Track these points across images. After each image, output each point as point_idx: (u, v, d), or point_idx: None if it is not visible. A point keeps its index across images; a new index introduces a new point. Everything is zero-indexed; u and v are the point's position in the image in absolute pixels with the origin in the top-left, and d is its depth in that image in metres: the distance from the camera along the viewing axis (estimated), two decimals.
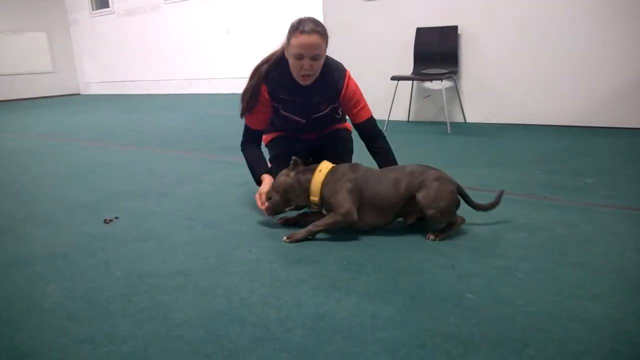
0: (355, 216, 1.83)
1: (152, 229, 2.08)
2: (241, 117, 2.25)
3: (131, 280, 1.60)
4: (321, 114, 2.22)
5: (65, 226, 2.18)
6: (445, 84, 4.40)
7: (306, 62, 2.01)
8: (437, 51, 4.43)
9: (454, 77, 4.41)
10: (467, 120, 4.50)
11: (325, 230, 1.86)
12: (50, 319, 1.38)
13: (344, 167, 1.91)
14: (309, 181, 1.89)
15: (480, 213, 2.06)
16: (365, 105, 2.23)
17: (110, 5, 10.58)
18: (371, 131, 2.22)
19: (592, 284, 1.43)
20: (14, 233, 2.13)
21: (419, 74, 4.41)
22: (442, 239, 1.80)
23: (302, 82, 2.10)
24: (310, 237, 1.86)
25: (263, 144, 2.45)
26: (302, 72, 2.05)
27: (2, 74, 10.47)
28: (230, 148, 3.64)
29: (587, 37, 3.79)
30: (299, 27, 1.99)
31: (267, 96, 2.16)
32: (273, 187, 1.98)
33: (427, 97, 4.70)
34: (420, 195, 1.81)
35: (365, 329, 1.25)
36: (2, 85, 10.44)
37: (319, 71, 2.09)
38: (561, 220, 1.94)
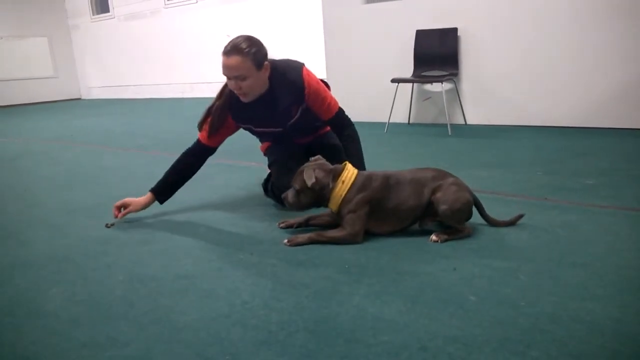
0: (359, 240, 1.84)
1: (154, 232, 2.09)
2: (198, 130, 2.25)
3: (133, 283, 1.61)
4: (295, 118, 2.20)
5: (68, 229, 2.18)
6: (446, 86, 4.40)
7: (233, 83, 2.01)
8: (437, 53, 4.43)
9: (454, 79, 4.41)
10: (468, 122, 4.50)
11: (327, 243, 1.85)
12: (53, 322, 1.39)
13: (366, 181, 1.86)
14: (331, 189, 1.85)
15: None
16: (332, 98, 2.21)
17: (110, 10, 10.60)
18: (342, 122, 2.23)
19: (593, 285, 1.43)
20: (17, 236, 2.14)
21: (419, 77, 4.41)
22: (444, 241, 1.80)
23: (243, 100, 2.08)
24: (311, 243, 1.86)
25: (261, 151, 2.46)
26: (236, 92, 2.04)
27: (4, 79, 10.49)
28: (231, 152, 3.64)
29: (586, 38, 3.79)
30: (224, 49, 1.99)
31: (231, 121, 2.18)
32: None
33: (427, 99, 4.70)
34: (438, 195, 1.82)
35: (367, 331, 1.26)
36: (4, 91, 10.46)
37: (254, 91, 2.05)
38: (562, 221, 1.94)
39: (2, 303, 1.53)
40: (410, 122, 4.79)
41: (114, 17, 10.57)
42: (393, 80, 4.33)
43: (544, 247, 1.72)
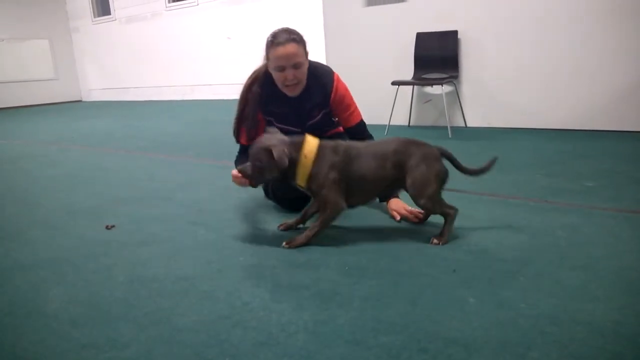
0: (343, 205, 1.83)
1: (154, 233, 2.09)
2: (237, 142, 2.25)
3: (133, 285, 1.61)
4: (316, 119, 2.22)
5: (68, 231, 2.18)
6: (446, 88, 4.41)
7: (289, 73, 2.02)
8: (437, 56, 4.44)
9: (455, 82, 4.42)
10: (468, 125, 4.50)
11: (322, 229, 1.86)
12: (53, 323, 1.39)
13: (328, 153, 1.83)
14: (295, 164, 1.81)
15: (482, 216, 2.07)
16: (356, 109, 2.24)
17: (111, 13, 10.63)
18: (362, 133, 2.23)
19: (593, 287, 1.43)
20: (17, 238, 2.14)
21: (419, 79, 4.42)
22: (446, 242, 1.80)
23: (290, 94, 2.10)
24: (308, 242, 1.86)
25: None
26: (287, 83, 2.06)
27: (5, 81, 10.51)
28: (232, 154, 3.64)
29: (587, 40, 3.79)
30: (274, 41, 2.01)
31: (261, 117, 2.19)
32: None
33: (427, 101, 4.71)
34: (408, 184, 1.81)
35: (366, 333, 1.25)
36: (5, 93, 10.48)
37: (304, 79, 2.09)
38: (562, 223, 1.94)
39: (2, 304, 1.53)
40: (411, 124, 4.79)
41: (115, 20, 10.60)
42: (393, 83, 4.34)
43: (544, 249, 1.72)
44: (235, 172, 1.93)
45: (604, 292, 1.40)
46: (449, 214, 1.84)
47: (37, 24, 10.91)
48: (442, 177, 1.83)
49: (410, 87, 4.64)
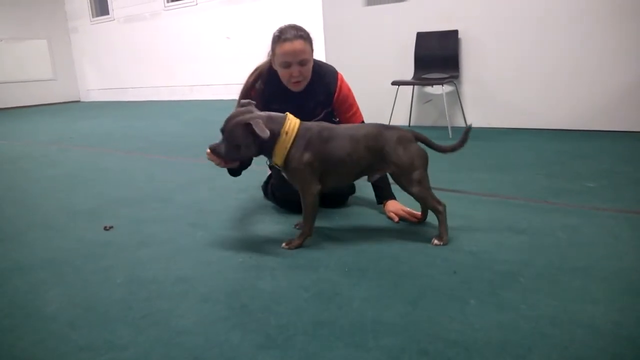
0: (317, 187, 1.81)
1: (153, 235, 2.08)
2: None
3: (132, 286, 1.60)
4: (317, 119, 2.22)
5: (67, 232, 2.18)
6: (446, 88, 4.40)
7: (295, 69, 2.02)
8: (437, 56, 4.43)
9: (455, 82, 4.41)
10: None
11: (312, 219, 1.85)
12: (51, 325, 1.38)
13: (307, 132, 1.79)
14: (274, 140, 1.76)
15: (482, 217, 2.06)
16: (358, 110, 2.25)
17: (110, 13, 10.61)
18: None
19: (594, 288, 1.42)
20: (16, 239, 2.13)
21: (419, 79, 4.41)
22: (447, 242, 1.79)
23: (295, 89, 2.10)
24: (306, 237, 1.86)
25: None
26: (293, 80, 2.06)
27: (4, 82, 10.49)
28: None
29: (587, 40, 3.79)
30: (281, 36, 2.00)
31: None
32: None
33: (428, 101, 4.70)
34: (393, 170, 1.82)
35: (366, 335, 1.25)
36: (4, 93, 10.46)
37: (309, 76, 2.10)
38: (562, 224, 1.94)
39: (1, 305, 1.53)
40: (411, 124, 4.79)
41: (114, 20, 10.58)
42: (394, 83, 4.33)
43: (544, 250, 1.71)
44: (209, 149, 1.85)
45: (605, 294, 1.39)
46: (439, 210, 1.83)
47: (35, 25, 10.89)
48: (424, 157, 1.84)
49: (411, 87, 4.63)
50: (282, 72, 2.07)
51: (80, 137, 5.37)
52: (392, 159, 1.81)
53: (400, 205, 2.10)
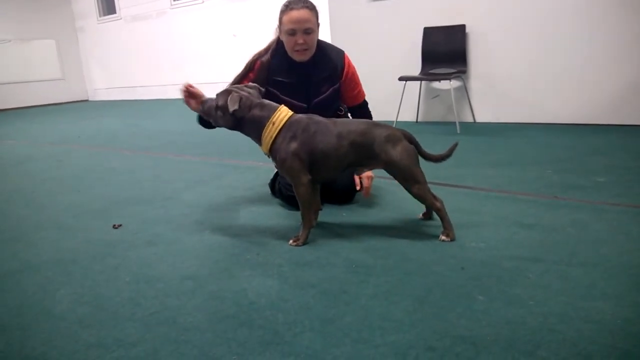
0: (307, 177, 1.83)
1: (161, 233, 2.09)
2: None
3: (140, 285, 1.61)
4: (322, 96, 2.24)
5: (75, 232, 2.19)
6: (454, 83, 4.38)
7: (299, 37, 2.08)
8: (444, 50, 4.41)
9: (463, 77, 4.39)
10: (477, 120, 4.47)
11: (308, 209, 1.86)
12: (61, 324, 1.39)
13: (290, 126, 1.83)
14: (261, 129, 1.83)
15: (491, 213, 2.05)
16: (362, 88, 2.35)
17: (117, 12, 10.65)
18: (365, 112, 2.36)
19: (603, 284, 1.41)
20: (25, 239, 2.15)
21: (427, 74, 4.39)
22: (454, 237, 1.79)
23: (299, 58, 2.15)
24: (310, 229, 1.87)
25: None
26: (297, 47, 2.11)
27: (12, 82, 10.55)
28: (238, 152, 3.65)
29: (597, 33, 3.75)
30: (288, 6, 2.10)
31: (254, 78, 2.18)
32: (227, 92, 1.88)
33: (435, 97, 4.68)
34: (389, 171, 1.83)
35: (374, 332, 1.25)
36: (13, 93, 10.53)
37: (314, 47, 2.15)
38: (572, 220, 1.92)
39: (11, 305, 1.54)
40: (418, 120, 4.77)
41: (121, 18, 10.62)
42: (401, 78, 4.31)
43: (553, 246, 1.70)
44: (183, 86, 2.06)
45: (614, 290, 1.38)
46: (438, 207, 1.82)
47: (43, 25, 10.95)
48: (412, 154, 1.83)
49: (418, 82, 4.61)
50: (287, 40, 2.12)
51: (88, 136, 5.40)
52: (381, 156, 1.81)
53: (372, 174, 2.20)
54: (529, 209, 2.08)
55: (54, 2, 11.08)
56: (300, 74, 2.18)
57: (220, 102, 1.86)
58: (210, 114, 1.92)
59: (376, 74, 4.77)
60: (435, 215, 2.00)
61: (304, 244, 1.84)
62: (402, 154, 1.80)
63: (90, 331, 1.34)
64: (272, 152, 1.86)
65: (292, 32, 2.08)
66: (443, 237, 1.79)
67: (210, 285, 1.57)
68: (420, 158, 1.87)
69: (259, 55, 2.23)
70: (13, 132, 6.40)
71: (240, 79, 2.19)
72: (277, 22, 2.17)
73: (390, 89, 4.48)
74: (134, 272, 1.71)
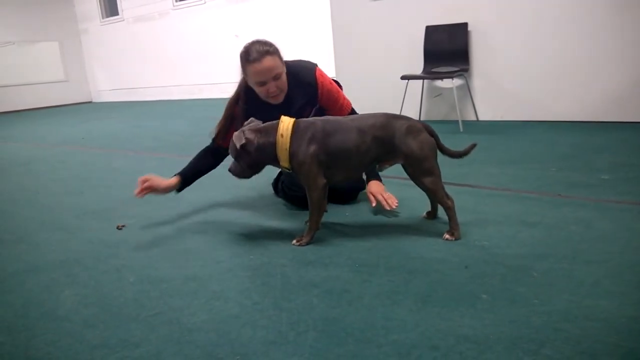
0: (323, 181, 1.81)
1: (164, 234, 2.09)
2: (212, 142, 2.26)
3: (144, 285, 1.61)
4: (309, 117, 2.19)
5: (78, 233, 2.20)
6: (456, 82, 4.37)
7: (271, 85, 2.01)
8: (447, 49, 4.40)
9: (465, 75, 4.37)
10: (480, 118, 4.46)
11: (318, 214, 1.85)
12: (65, 325, 1.40)
13: (305, 128, 1.81)
14: (273, 146, 1.81)
15: (495, 211, 2.05)
16: (344, 99, 2.23)
17: (119, 13, 10.68)
18: None
19: (607, 282, 1.40)
20: (29, 240, 2.16)
21: (429, 73, 4.38)
22: (459, 237, 1.78)
23: (275, 102, 2.08)
24: (315, 232, 1.86)
25: None
26: (271, 95, 2.04)
27: (16, 84, 10.61)
28: None
29: (600, 31, 3.73)
30: (248, 58, 1.98)
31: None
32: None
33: (438, 95, 4.67)
34: (404, 161, 1.80)
35: (377, 331, 1.24)
36: (16, 95, 10.58)
37: (286, 86, 2.06)
38: (576, 218, 1.91)
39: (15, 306, 1.55)
40: (421, 119, 4.75)
41: (123, 20, 10.65)
42: (403, 77, 4.30)
43: (557, 244, 1.70)
44: (141, 178, 2.07)
45: (619, 288, 1.37)
46: (448, 205, 1.81)
47: (47, 27, 11.00)
48: (433, 148, 1.81)
49: (420, 81, 4.60)
50: (258, 90, 2.05)
51: (92, 138, 5.41)
52: (402, 148, 1.78)
53: (382, 187, 2.10)
54: (533, 207, 2.07)
55: (57, 4, 11.13)
56: (279, 108, 2.08)
57: (234, 155, 1.86)
58: (238, 173, 1.89)
59: (378, 73, 4.78)
60: (439, 214, 2.00)
61: (308, 244, 1.84)
62: (424, 145, 1.78)
63: (94, 331, 1.35)
64: (291, 162, 1.81)
65: (262, 83, 2.00)
66: (447, 236, 1.79)
67: (214, 286, 1.57)
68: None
69: (234, 102, 2.17)
70: (17, 133, 6.43)
71: (226, 132, 2.15)
72: (239, 69, 2.07)
73: (392, 88, 4.47)
74: (138, 273, 1.71)
